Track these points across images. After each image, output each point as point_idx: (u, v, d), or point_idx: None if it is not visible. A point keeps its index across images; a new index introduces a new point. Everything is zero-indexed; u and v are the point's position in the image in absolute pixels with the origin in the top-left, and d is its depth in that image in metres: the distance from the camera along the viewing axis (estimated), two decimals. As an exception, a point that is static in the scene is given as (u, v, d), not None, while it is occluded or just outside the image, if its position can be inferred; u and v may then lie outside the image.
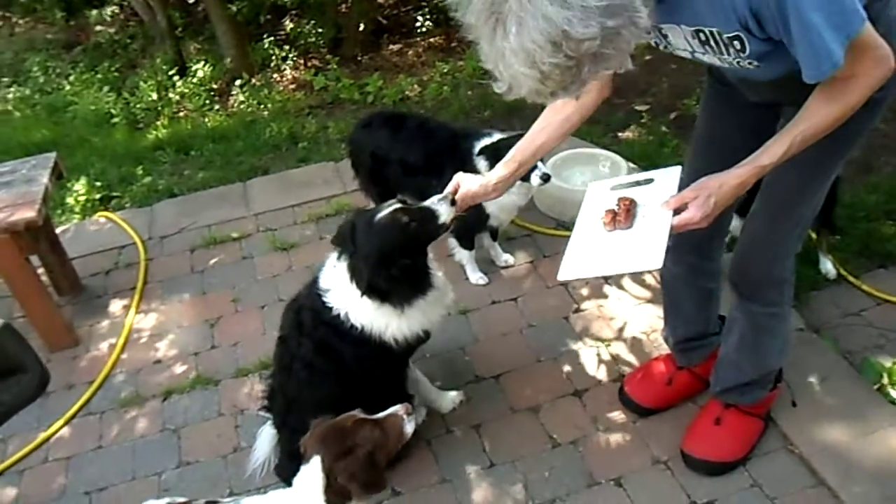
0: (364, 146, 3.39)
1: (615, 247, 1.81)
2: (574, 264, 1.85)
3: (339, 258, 2.35)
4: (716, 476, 2.45)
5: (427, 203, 2.25)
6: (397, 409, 1.93)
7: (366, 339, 2.34)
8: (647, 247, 1.73)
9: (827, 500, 2.35)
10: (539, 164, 2.81)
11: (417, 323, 2.39)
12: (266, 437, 2.63)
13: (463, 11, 1.46)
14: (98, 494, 2.65)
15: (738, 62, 1.67)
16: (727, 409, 2.49)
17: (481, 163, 3.02)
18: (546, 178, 2.93)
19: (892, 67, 1.61)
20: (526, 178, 2.83)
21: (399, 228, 2.22)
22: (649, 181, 1.93)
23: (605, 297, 3.24)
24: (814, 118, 1.68)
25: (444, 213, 2.23)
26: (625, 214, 1.83)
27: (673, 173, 1.92)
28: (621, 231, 1.82)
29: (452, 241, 3.34)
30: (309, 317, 2.42)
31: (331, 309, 2.35)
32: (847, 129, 1.76)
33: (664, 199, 1.78)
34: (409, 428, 1.92)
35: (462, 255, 3.38)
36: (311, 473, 1.80)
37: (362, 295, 2.25)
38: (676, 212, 1.75)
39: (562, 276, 1.86)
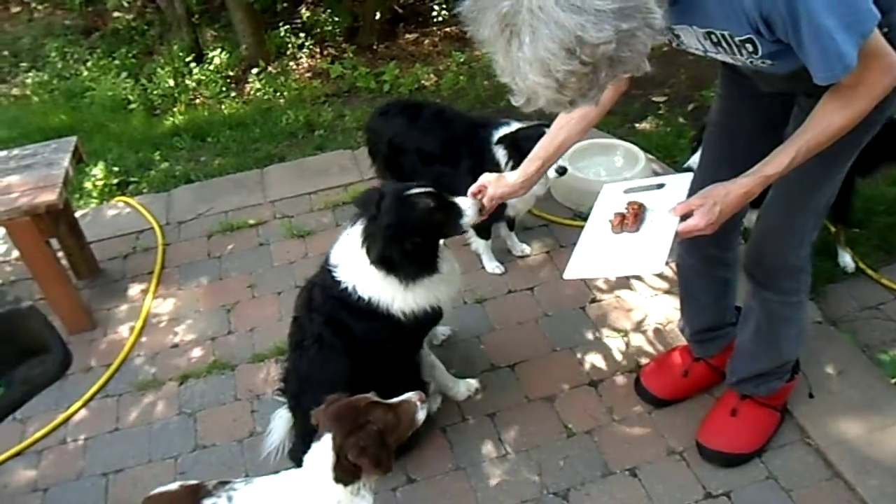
0: (381, 134, 3.39)
1: (619, 249, 1.86)
2: (579, 264, 1.90)
3: (355, 222, 2.39)
4: (731, 468, 2.44)
5: (459, 200, 2.30)
6: (411, 395, 1.93)
7: (373, 311, 2.37)
8: (649, 250, 1.78)
9: (843, 493, 2.34)
10: None
11: (423, 298, 2.40)
12: (281, 421, 2.65)
13: (476, 27, 1.44)
14: (115, 476, 2.68)
15: (751, 62, 1.68)
16: (743, 400, 2.48)
17: (499, 152, 3.02)
18: (562, 171, 2.94)
19: None
20: None
21: (425, 210, 2.28)
22: (661, 186, 1.97)
23: (622, 287, 3.23)
24: (819, 127, 1.68)
25: (470, 215, 2.29)
26: (633, 218, 1.88)
27: (685, 180, 1.97)
28: (628, 234, 1.87)
29: (470, 231, 3.33)
30: (319, 293, 2.46)
31: (339, 283, 2.38)
32: (863, 119, 1.74)
33: (672, 205, 1.82)
34: (421, 415, 1.93)
35: (479, 244, 3.38)
36: (322, 450, 1.81)
37: (371, 262, 2.30)
38: (684, 218, 1.78)
39: (567, 275, 1.91)
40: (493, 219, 3.19)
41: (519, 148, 2.92)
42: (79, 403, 2.95)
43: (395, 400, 1.91)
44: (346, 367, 2.40)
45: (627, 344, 2.96)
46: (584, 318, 3.09)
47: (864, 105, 1.63)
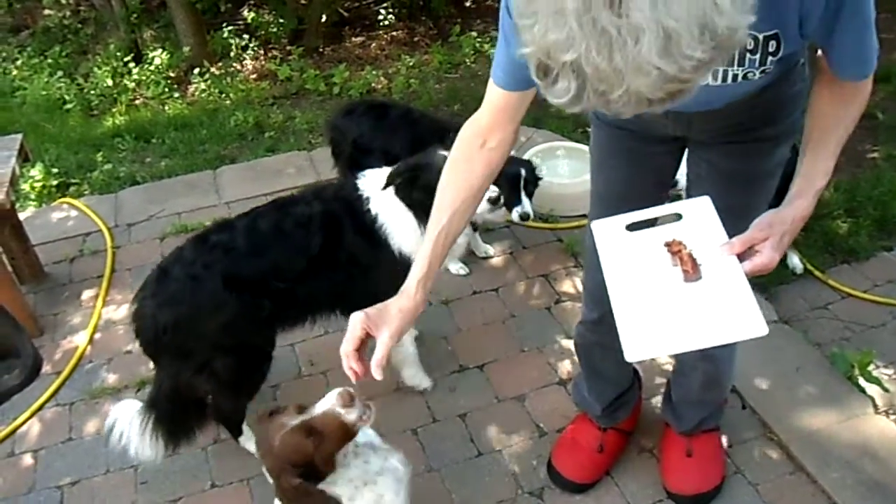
0: (346, 133, 3.35)
1: (691, 308, 1.39)
2: (643, 337, 1.37)
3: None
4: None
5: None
6: (332, 400, 1.66)
7: (372, 231, 2.43)
8: (738, 307, 1.36)
9: (806, 485, 2.42)
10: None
11: None
12: (122, 411, 2.46)
13: None
14: (70, 488, 2.56)
15: (748, 73, 1.44)
16: (691, 437, 2.41)
17: None
18: (526, 217, 2.99)
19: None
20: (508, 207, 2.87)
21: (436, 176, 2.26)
22: (677, 216, 1.54)
23: (584, 288, 3.27)
24: (842, 123, 1.53)
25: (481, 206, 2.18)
26: (691, 264, 1.42)
27: (703, 205, 1.54)
28: (691, 284, 1.41)
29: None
30: (333, 190, 2.57)
31: (358, 189, 2.49)
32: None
33: (711, 239, 1.45)
34: (352, 416, 1.65)
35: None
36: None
37: (393, 191, 2.41)
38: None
39: (632, 356, 1.36)
40: None
41: None
42: (27, 413, 2.81)
43: (311, 415, 1.66)
44: (310, 260, 2.38)
45: (593, 344, 2.99)
46: (550, 319, 3.11)
47: (868, 91, 1.52)
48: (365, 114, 3.32)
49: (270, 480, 1.78)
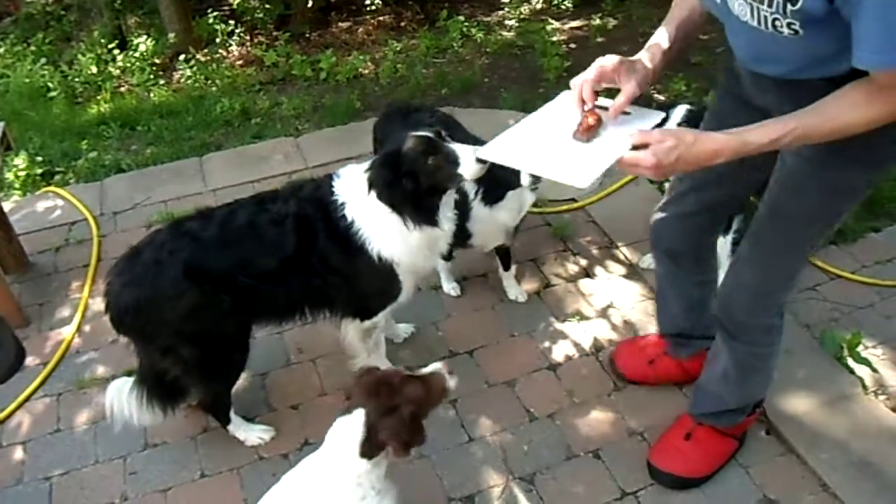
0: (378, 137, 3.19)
1: (556, 151, 1.69)
2: (502, 148, 1.76)
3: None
4: (678, 490, 2.39)
5: (456, 147, 2.25)
6: (439, 366, 1.93)
7: (347, 237, 2.34)
8: (584, 164, 1.62)
9: (796, 467, 2.43)
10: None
11: (407, 250, 2.37)
12: (116, 391, 2.50)
13: None
14: (59, 479, 2.54)
15: (776, 20, 1.47)
16: (700, 426, 2.41)
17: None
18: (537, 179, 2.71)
19: None
20: (515, 186, 2.70)
21: (414, 156, 2.24)
22: (627, 114, 1.78)
23: (575, 274, 3.27)
24: (827, 114, 1.50)
25: (466, 166, 2.22)
26: (586, 128, 1.70)
27: (655, 116, 1.80)
28: (573, 141, 1.71)
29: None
30: (310, 189, 2.44)
31: (333, 192, 2.37)
32: (846, 182, 1.72)
33: (632, 132, 1.62)
34: (452, 384, 1.93)
35: (439, 264, 3.11)
36: (352, 425, 1.77)
37: (369, 189, 2.29)
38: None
39: (481, 152, 1.82)
40: (457, 245, 2.94)
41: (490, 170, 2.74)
42: (14, 405, 2.79)
43: (425, 371, 1.92)
44: (281, 260, 2.32)
45: (584, 328, 2.99)
46: (539, 304, 3.11)
47: (886, 112, 1.45)
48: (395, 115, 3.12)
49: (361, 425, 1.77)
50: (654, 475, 2.42)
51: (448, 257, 3.10)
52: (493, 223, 2.82)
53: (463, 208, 2.70)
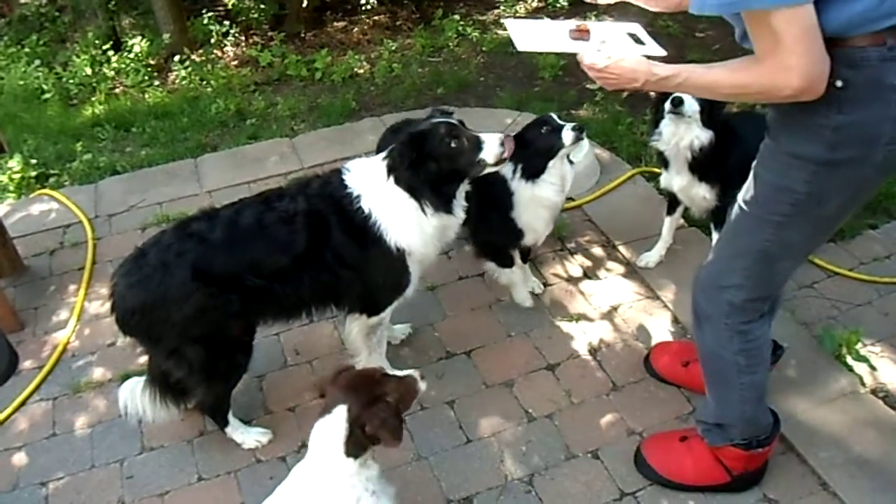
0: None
1: (552, 40, 2.04)
2: (519, 28, 2.10)
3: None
4: (655, 484, 2.37)
5: (481, 135, 2.31)
6: (411, 371, 1.94)
7: (363, 230, 2.35)
8: (539, 42, 2.05)
9: (796, 466, 2.42)
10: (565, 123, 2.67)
11: (423, 238, 2.40)
12: (128, 391, 2.55)
13: None
14: (55, 484, 2.52)
15: None
16: (697, 434, 2.36)
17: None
18: (580, 129, 2.64)
19: (796, 88, 1.53)
20: (554, 154, 2.65)
21: (439, 138, 2.28)
22: (640, 43, 2.03)
23: (572, 274, 3.26)
24: (709, 69, 1.70)
25: (489, 151, 2.27)
26: (576, 31, 2.02)
27: (654, 49, 1.99)
28: (568, 38, 2.02)
29: (490, 265, 3.01)
30: (318, 184, 2.44)
31: (345, 186, 2.38)
32: (790, 175, 1.74)
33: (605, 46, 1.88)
34: (422, 387, 1.93)
35: (505, 274, 3.00)
36: (333, 424, 1.76)
37: (388, 174, 2.31)
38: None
39: (508, 22, 2.14)
40: (508, 245, 2.94)
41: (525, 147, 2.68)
42: (9, 409, 2.77)
43: (400, 373, 1.93)
44: (293, 259, 2.31)
45: (582, 328, 2.98)
46: (536, 303, 3.09)
47: (750, 80, 1.61)
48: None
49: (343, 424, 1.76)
50: (636, 461, 2.43)
51: (509, 263, 2.98)
52: (538, 205, 2.77)
53: (505, 201, 2.74)
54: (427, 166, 2.28)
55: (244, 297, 2.28)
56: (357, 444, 1.76)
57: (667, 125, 2.77)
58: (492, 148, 2.27)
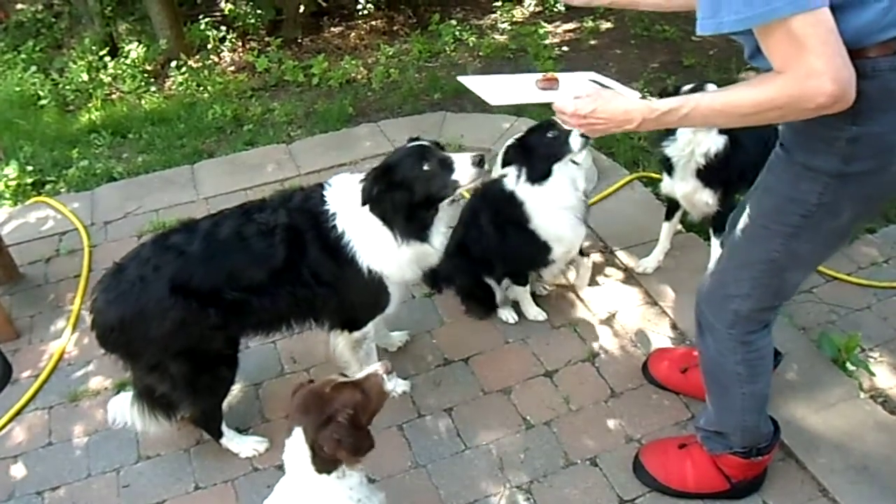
0: None
1: (517, 91, 2.06)
2: (479, 82, 2.10)
3: None
4: (651, 490, 2.37)
5: (454, 155, 2.27)
6: (376, 367, 1.87)
7: (336, 249, 2.33)
8: (509, 95, 2.05)
9: (795, 472, 2.41)
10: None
11: (397, 266, 2.37)
12: (118, 405, 2.55)
13: None
14: (51, 493, 2.51)
15: None
16: (696, 442, 2.35)
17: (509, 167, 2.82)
18: (586, 137, 2.59)
19: (829, 94, 1.43)
20: (560, 158, 2.65)
21: (409, 164, 2.26)
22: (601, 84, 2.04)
23: (569, 280, 3.25)
24: (721, 93, 1.63)
25: (462, 172, 2.22)
26: (544, 80, 2.03)
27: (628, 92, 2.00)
28: (535, 87, 2.04)
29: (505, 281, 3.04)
30: (300, 198, 2.42)
31: (324, 202, 2.36)
32: (803, 187, 1.71)
33: (580, 92, 1.80)
34: (390, 385, 1.87)
35: (517, 290, 3.03)
36: (296, 446, 1.75)
37: (362, 202, 2.27)
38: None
39: (463, 78, 2.13)
40: (531, 266, 2.95)
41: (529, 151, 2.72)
42: (5, 418, 2.76)
43: (359, 376, 1.86)
44: (270, 272, 2.29)
45: (579, 334, 2.97)
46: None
47: (775, 92, 1.49)
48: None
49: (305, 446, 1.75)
50: (636, 468, 2.42)
51: (524, 281, 2.99)
52: (554, 207, 2.74)
53: (518, 214, 2.75)
54: (399, 194, 2.25)
55: (223, 311, 2.25)
56: (324, 462, 1.74)
57: (684, 131, 2.73)
58: (463, 168, 2.22)
